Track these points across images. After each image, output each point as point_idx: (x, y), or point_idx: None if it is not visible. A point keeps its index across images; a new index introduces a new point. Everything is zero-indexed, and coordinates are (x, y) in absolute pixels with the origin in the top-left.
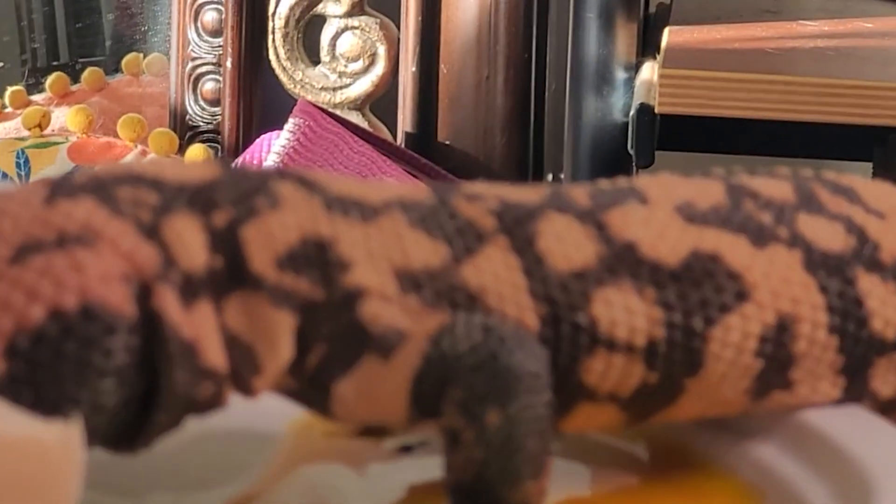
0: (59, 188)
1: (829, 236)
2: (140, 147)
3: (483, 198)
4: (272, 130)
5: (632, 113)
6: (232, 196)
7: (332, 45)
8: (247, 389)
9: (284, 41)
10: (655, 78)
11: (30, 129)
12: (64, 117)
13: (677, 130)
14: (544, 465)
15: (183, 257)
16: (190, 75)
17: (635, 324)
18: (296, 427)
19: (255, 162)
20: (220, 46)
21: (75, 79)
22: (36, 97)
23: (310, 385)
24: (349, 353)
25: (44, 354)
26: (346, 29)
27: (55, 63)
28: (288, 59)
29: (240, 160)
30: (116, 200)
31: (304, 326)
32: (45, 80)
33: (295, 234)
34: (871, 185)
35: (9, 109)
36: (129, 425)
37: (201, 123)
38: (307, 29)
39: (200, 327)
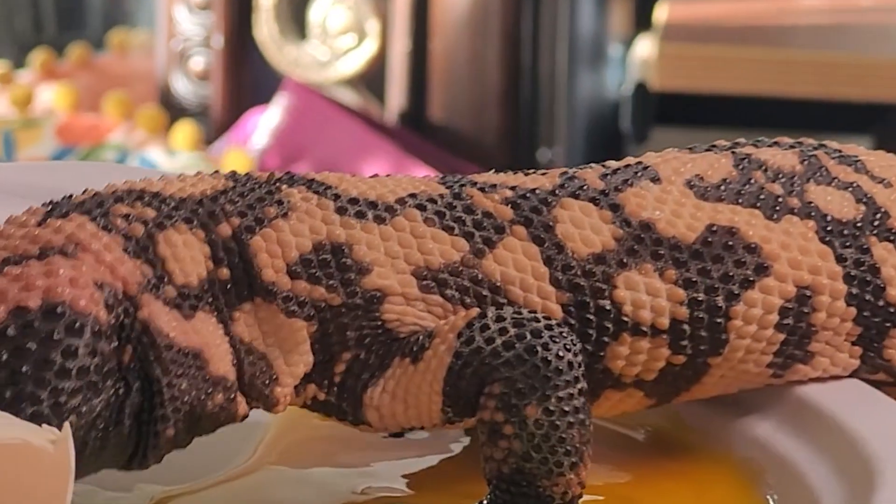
0: (56, 208)
1: (840, 205)
2: (127, 125)
3: (497, 188)
4: (260, 108)
5: (627, 89)
6: (238, 206)
7: (322, 21)
8: (268, 400)
9: (275, 17)
10: (653, 53)
11: (16, 108)
12: (49, 94)
13: (675, 105)
14: (585, 456)
15: (176, 271)
16: (177, 52)
17: (659, 305)
18: (278, 418)
19: (242, 139)
20: (207, 23)
21: (61, 55)
22: (21, 73)
23: (340, 395)
24: (378, 358)
25: (3, 351)
26: (336, 4)
27: (40, 39)
28: (279, 35)
29: (228, 137)
30: (109, 216)
31: (325, 333)
32: (30, 56)
33: (307, 240)
34: (875, 155)
35: None
36: (137, 440)
37: (189, 101)
38: (296, 4)
39: (204, 337)
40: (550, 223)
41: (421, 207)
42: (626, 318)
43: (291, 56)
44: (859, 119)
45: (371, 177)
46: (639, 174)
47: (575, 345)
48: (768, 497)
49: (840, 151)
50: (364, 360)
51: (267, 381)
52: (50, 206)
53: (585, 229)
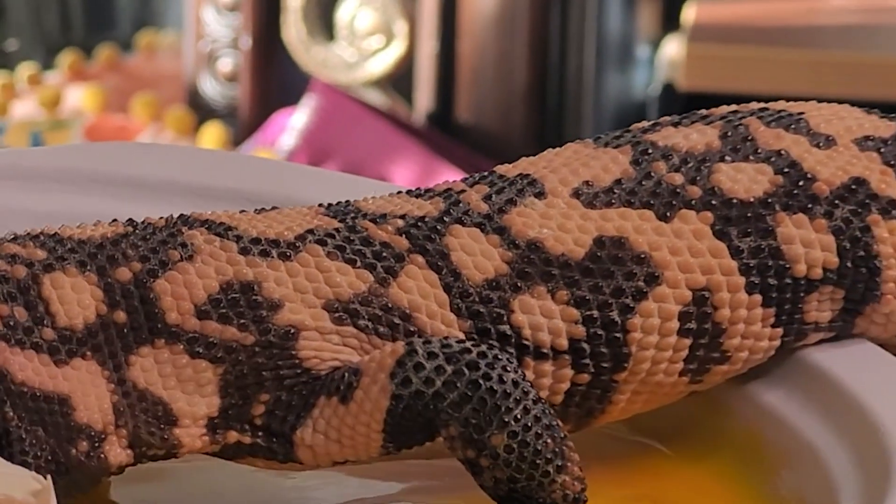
0: None
1: (749, 183)
2: (155, 126)
3: (387, 217)
4: (288, 109)
5: (654, 89)
6: (141, 251)
7: (350, 22)
8: (167, 443)
9: (303, 19)
10: (681, 54)
11: (45, 109)
12: (78, 96)
13: (702, 106)
14: (567, 455)
15: (60, 313)
16: (205, 53)
17: (555, 326)
18: None
19: (270, 140)
20: (235, 24)
21: (89, 56)
22: (50, 75)
23: (267, 437)
24: (301, 399)
25: None
26: (364, 5)
27: (68, 41)
28: (307, 36)
29: (256, 138)
30: None
31: (239, 375)
32: (59, 57)
33: (215, 281)
34: (826, 108)
35: (23, 87)
36: None
37: (217, 102)
38: (323, 6)
39: (74, 383)
40: (444, 251)
41: (322, 242)
42: (526, 342)
43: (319, 57)
44: None
45: (257, 211)
46: (523, 191)
47: (511, 362)
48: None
49: (783, 112)
50: (286, 402)
51: (163, 426)
52: None
53: (477, 256)
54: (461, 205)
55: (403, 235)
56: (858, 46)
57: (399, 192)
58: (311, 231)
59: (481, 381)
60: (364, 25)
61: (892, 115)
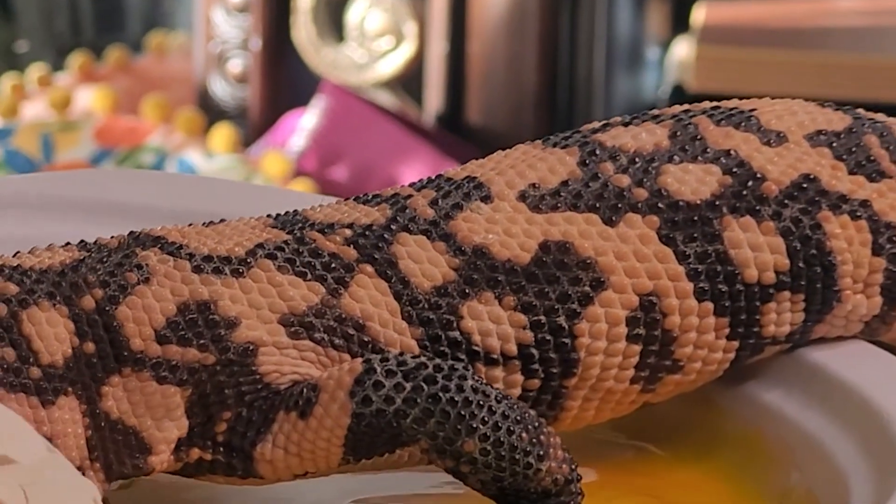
0: None
1: (697, 184)
2: (166, 127)
3: (334, 227)
4: (298, 110)
5: (664, 91)
6: (100, 275)
7: (360, 23)
8: (141, 470)
9: (313, 20)
10: (690, 56)
11: (55, 110)
12: (88, 97)
13: None
14: (546, 441)
15: (42, 351)
16: (215, 54)
17: (504, 332)
18: None
19: (280, 142)
20: (245, 25)
21: (99, 58)
22: (60, 76)
23: (227, 454)
24: (260, 414)
25: None
26: (374, 6)
27: (78, 42)
28: (317, 38)
29: (266, 140)
30: None
31: (203, 395)
32: (69, 59)
33: (171, 304)
34: (779, 104)
35: (33, 88)
36: None
37: (228, 103)
38: (333, 7)
39: (57, 425)
40: (393, 259)
41: (272, 257)
42: (476, 348)
43: (329, 58)
44: None
45: (206, 225)
46: (469, 195)
47: (467, 369)
48: (793, 473)
49: (734, 109)
50: (247, 418)
51: (138, 454)
52: None
53: (424, 263)
54: (408, 211)
55: (351, 245)
56: (867, 48)
57: (346, 200)
58: (260, 245)
59: (440, 394)
60: (374, 27)
61: (848, 107)
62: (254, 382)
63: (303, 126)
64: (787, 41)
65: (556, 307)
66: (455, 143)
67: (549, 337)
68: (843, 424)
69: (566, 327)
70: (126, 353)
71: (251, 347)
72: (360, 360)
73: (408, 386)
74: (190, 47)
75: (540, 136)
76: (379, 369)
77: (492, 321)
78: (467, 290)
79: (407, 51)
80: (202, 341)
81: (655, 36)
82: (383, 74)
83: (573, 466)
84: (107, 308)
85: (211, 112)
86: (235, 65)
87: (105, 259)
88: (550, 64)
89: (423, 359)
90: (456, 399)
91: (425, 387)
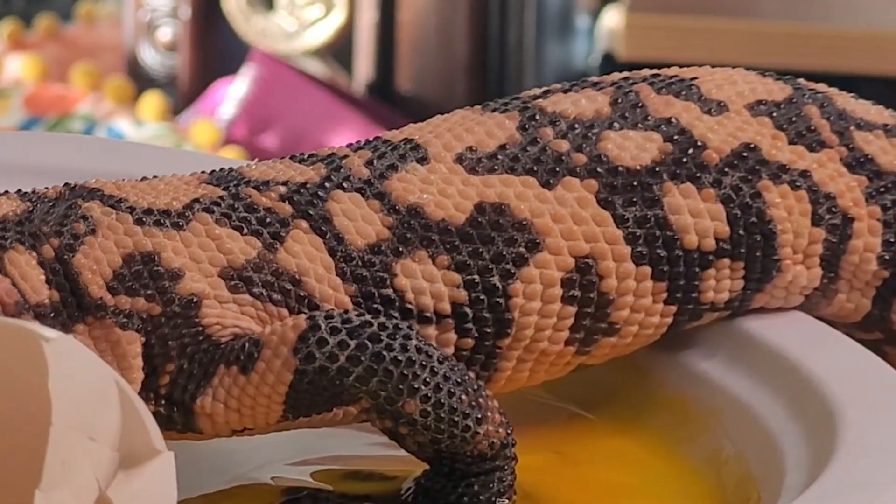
0: None
1: (637, 151)
2: (95, 95)
3: (269, 185)
4: (227, 78)
5: (594, 59)
6: (52, 226)
7: None
8: None
9: None
10: (620, 24)
11: None
12: (17, 65)
13: None
14: (484, 405)
15: (29, 292)
16: (145, 23)
17: (437, 290)
18: None
19: (210, 110)
20: None
21: (28, 26)
22: None
23: (168, 406)
24: (201, 368)
25: None
26: None
27: (8, 11)
28: (246, 6)
29: (195, 108)
30: None
31: (149, 345)
32: None
33: (117, 255)
34: (719, 73)
35: None
36: None
37: (157, 71)
38: None
39: None
40: (327, 216)
41: (209, 210)
42: (410, 306)
43: (259, 27)
44: None
45: (141, 180)
46: (405, 156)
47: (411, 329)
48: (723, 439)
49: (675, 77)
50: (188, 371)
51: None
52: None
53: (358, 221)
54: (342, 170)
55: (286, 202)
56: (799, 17)
57: (282, 158)
58: (196, 200)
59: (384, 353)
60: None
61: (789, 77)
62: (196, 335)
63: (232, 94)
64: (716, 9)
65: (490, 267)
66: (385, 112)
67: (482, 297)
68: (772, 389)
69: (500, 287)
70: (87, 301)
71: (195, 300)
72: (304, 316)
73: (352, 344)
74: (119, 15)
75: (470, 104)
76: (323, 326)
77: (425, 279)
78: (401, 249)
79: (337, 19)
80: (149, 292)
81: (585, 4)
82: (313, 43)
83: (509, 431)
84: (65, 257)
85: (140, 80)
86: (165, 33)
87: (50, 210)
88: (481, 32)
89: (368, 317)
90: (399, 358)
91: (369, 345)
